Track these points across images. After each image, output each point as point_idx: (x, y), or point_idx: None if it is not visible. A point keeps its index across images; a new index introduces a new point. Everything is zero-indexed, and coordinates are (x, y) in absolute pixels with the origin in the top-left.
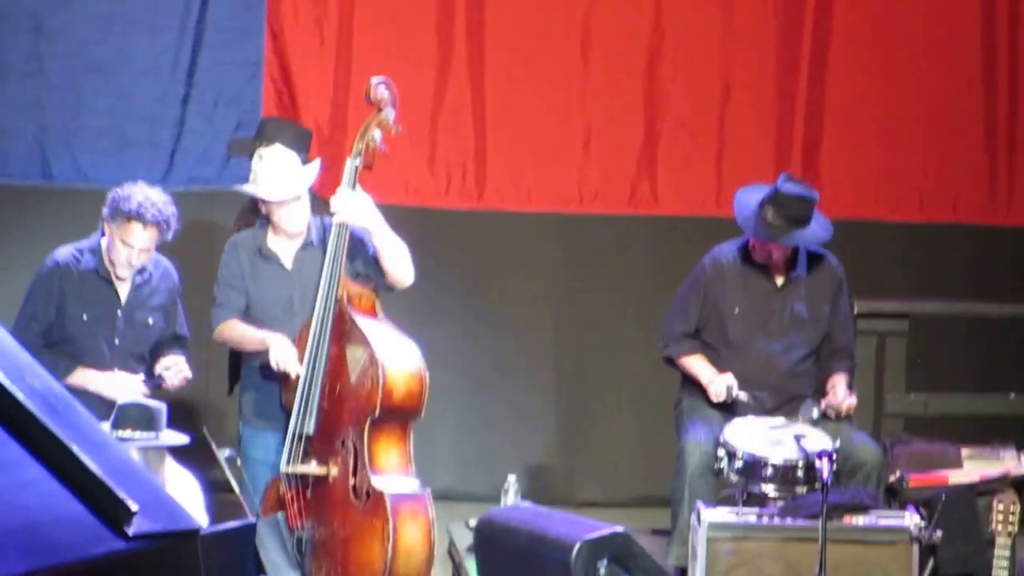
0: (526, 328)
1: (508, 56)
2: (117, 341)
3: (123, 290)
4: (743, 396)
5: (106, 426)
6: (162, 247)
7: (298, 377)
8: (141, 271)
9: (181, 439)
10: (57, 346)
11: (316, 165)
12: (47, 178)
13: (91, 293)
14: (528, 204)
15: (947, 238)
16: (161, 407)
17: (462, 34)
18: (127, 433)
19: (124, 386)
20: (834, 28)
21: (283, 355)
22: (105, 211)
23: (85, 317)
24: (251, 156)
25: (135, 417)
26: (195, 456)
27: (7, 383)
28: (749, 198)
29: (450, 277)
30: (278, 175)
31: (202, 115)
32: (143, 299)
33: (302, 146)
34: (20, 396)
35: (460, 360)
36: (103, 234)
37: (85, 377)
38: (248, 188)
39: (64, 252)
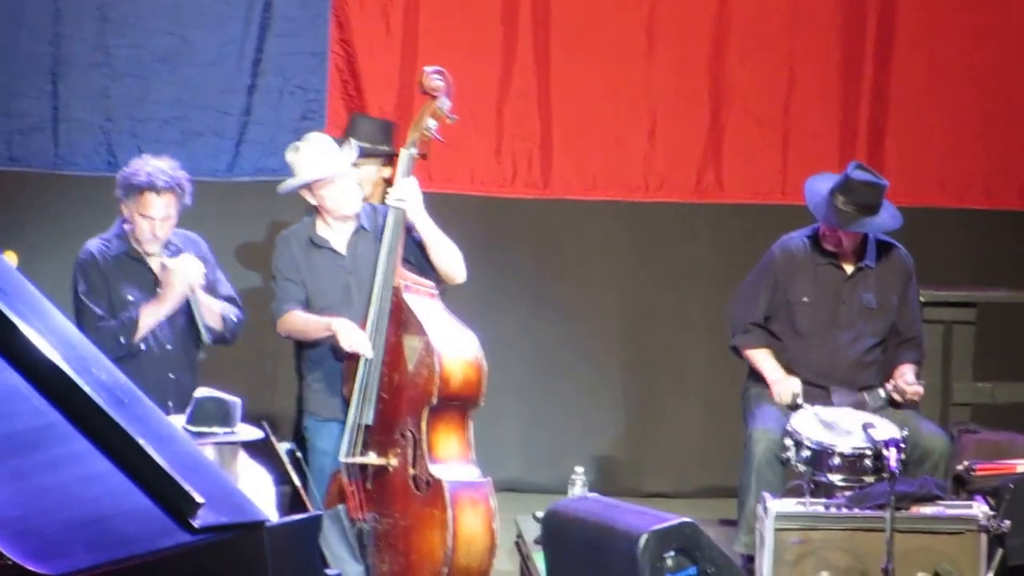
0: (592, 318)
1: (573, 45)
2: (165, 324)
3: (156, 267)
4: (808, 409)
5: (182, 419)
6: (231, 234)
7: (358, 366)
8: (167, 246)
9: (256, 434)
10: None
11: (351, 146)
12: (114, 168)
13: (128, 276)
14: (593, 192)
15: (1014, 225)
16: (236, 402)
17: (527, 23)
18: (204, 428)
19: (185, 275)
20: (898, 15)
21: (354, 337)
22: (118, 193)
23: (130, 298)
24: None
25: (211, 412)
26: (260, 451)
27: (73, 376)
28: (819, 186)
29: (516, 266)
30: (316, 157)
31: (268, 105)
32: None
33: (387, 137)
34: (87, 389)
35: (526, 350)
36: (123, 220)
37: (148, 314)
38: (291, 182)
39: (93, 244)
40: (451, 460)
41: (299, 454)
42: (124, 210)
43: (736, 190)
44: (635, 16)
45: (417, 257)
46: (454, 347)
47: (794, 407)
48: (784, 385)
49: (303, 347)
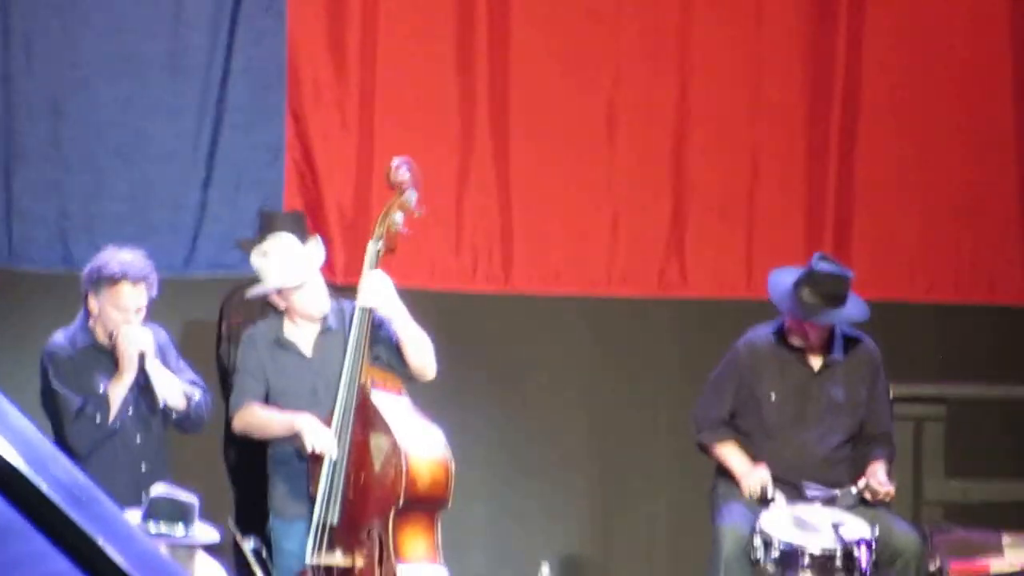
0: (557, 413)
1: (532, 136)
2: (131, 411)
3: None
4: (780, 499)
5: (137, 515)
6: (188, 330)
7: (323, 464)
8: None
9: (212, 536)
10: None
11: (317, 243)
12: (69, 264)
13: (97, 367)
14: (556, 286)
15: (984, 320)
16: (193, 500)
17: (484, 113)
18: (159, 528)
19: (136, 340)
20: (863, 104)
21: (319, 437)
22: (85, 286)
23: (101, 389)
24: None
25: (166, 511)
26: (219, 550)
27: (31, 474)
28: (783, 278)
29: (479, 362)
30: (285, 261)
31: (224, 199)
32: (141, 364)
33: (301, 228)
34: (44, 487)
35: (489, 447)
36: (87, 313)
37: (114, 387)
38: (260, 288)
39: (58, 336)
40: (418, 561)
41: (264, 554)
42: (92, 303)
43: (699, 284)
44: (595, 106)
45: (387, 353)
46: (422, 447)
47: (764, 500)
48: (753, 477)
49: (267, 446)
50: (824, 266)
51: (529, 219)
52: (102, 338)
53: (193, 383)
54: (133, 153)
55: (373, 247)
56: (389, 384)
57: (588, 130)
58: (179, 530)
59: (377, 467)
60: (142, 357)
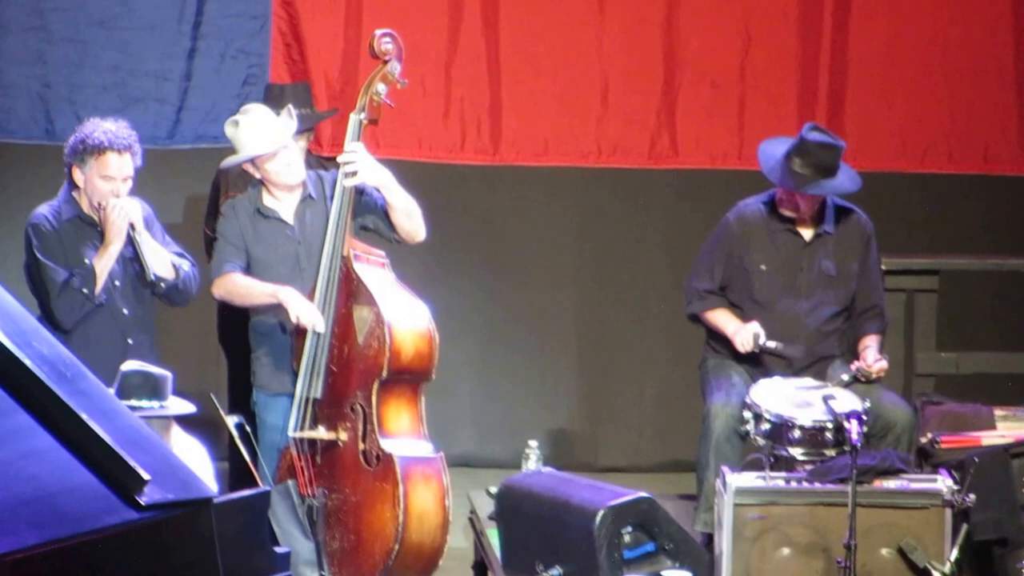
0: (545, 288)
1: (522, 4)
2: (118, 283)
3: None
4: (771, 345)
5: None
6: (172, 202)
7: (306, 337)
8: None
9: (188, 408)
10: None
11: (290, 113)
12: (51, 136)
13: (83, 239)
14: (545, 158)
15: (976, 190)
16: (166, 375)
17: None
18: (131, 403)
19: (125, 211)
20: None
21: (304, 309)
22: (69, 157)
23: (87, 261)
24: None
25: (139, 386)
26: (201, 426)
27: (14, 349)
28: (774, 149)
29: (466, 235)
30: (258, 130)
31: (209, 70)
32: (129, 235)
33: (302, 101)
34: (28, 362)
35: (477, 321)
36: (71, 186)
37: (100, 259)
38: (235, 159)
39: (43, 209)
40: (402, 435)
41: (248, 428)
42: (77, 175)
43: (691, 155)
44: None
45: (375, 220)
46: (405, 319)
47: (759, 350)
48: (744, 332)
49: (250, 318)
50: (815, 136)
51: (518, 90)
52: (88, 210)
53: (181, 255)
54: (117, 23)
55: (355, 118)
56: (372, 257)
57: None
58: (153, 404)
59: (360, 339)
60: (131, 228)
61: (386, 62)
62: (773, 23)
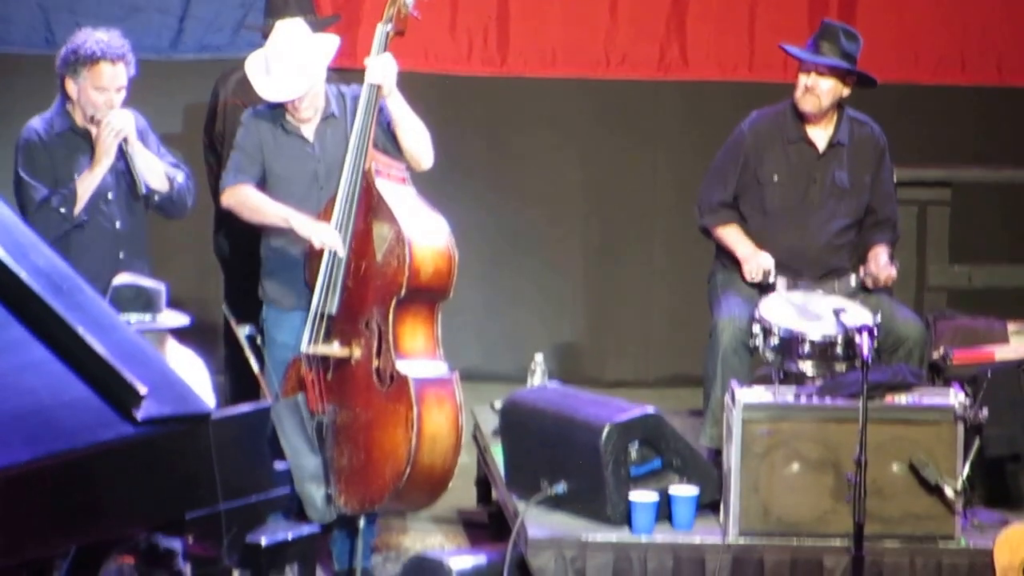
0: (552, 200)
1: None
2: (111, 195)
3: None
4: (780, 284)
5: None
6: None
7: (322, 253)
8: None
9: (182, 320)
10: None
11: (333, 44)
12: (51, 46)
13: (75, 152)
14: (553, 69)
15: (991, 101)
16: (160, 287)
17: None
18: (124, 316)
19: (116, 126)
20: None
21: (325, 233)
22: (61, 68)
23: (77, 178)
24: (267, 36)
25: (131, 299)
26: (198, 338)
27: (8, 261)
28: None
29: (472, 147)
30: (285, 77)
31: None
32: (121, 149)
33: (305, 9)
34: (23, 275)
35: (483, 234)
36: (64, 97)
37: (85, 179)
38: (263, 93)
39: (35, 123)
40: (418, 355)
41: (259, 340)
42: (70, 86)
43: (701, 65)
44: None
45: (383, 141)
46: (425, 236)
47: (766, 285)
48: (755, 262)
49: (263, 235)
50: (833, 23)
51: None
52: (81, 121)
53: (176, 166)
54: None
55: (382, 29)
56: (393, 171)
57: None
58: (146, 317)
59: (379, 256)
60: (123, 142)
61: None
62: None
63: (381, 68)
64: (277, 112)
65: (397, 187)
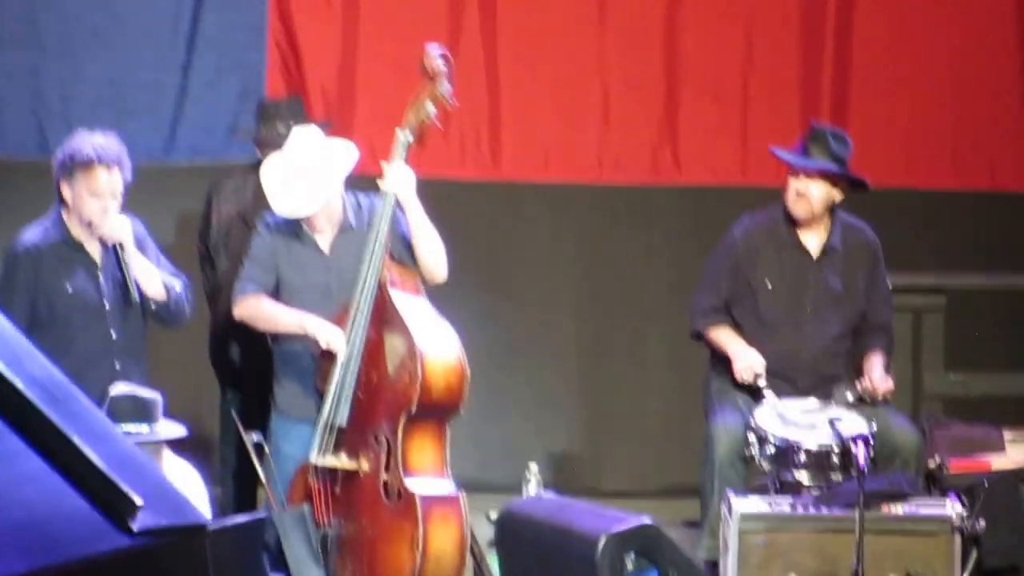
0: (546, 306)
1: (522, 17)
2: (107, 305)
3: (96, 252)
4: (770, 395)
5: None
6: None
7: (333, 363)
8: None
9: (179, 431)
10: (49, 330)
11: (351, 157)
12: (45, 151)
13: (67, 264)
14: (546, 173)
15: (984, 206)
16: (156, 398)
17: None
18: (121, 427)
19: (116, 226)
20: None
21: (331, 335)
22: (57, 174)
23: (70, 289)
24: (259, 143)
25: (128, 410)
26: (193, 450)
27: (5, 371)
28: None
29: (465, 252)
30: (305, 184)
31: (204, 83)
32: (118, 255)
33: (297, 117)
34: (19, 384)
35: (477, 341)
36: (60, 204)
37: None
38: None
39: (29, 235)
40: (426, 472)
41: (267, 448)
42: (65, 191)
43: (693, 170)
44: None
45: (399, 250)
46: (438, 352)
47: (756, 389)
48: (745, 361)
49: (275, 343)
50: (822, 125)
51: (518, 103)
52: (76, 232)
53: (174, 275)
54: (111, 36)
55: (403, 137)
56: (408, 282)
57: (579, 11)
58: (143, 428)
59: (391, 369)
60: (120, 248)
61: (437, 81)
62: (775, 36)
63: (399, 177)
64: (293, 220)
65: (411, 298)
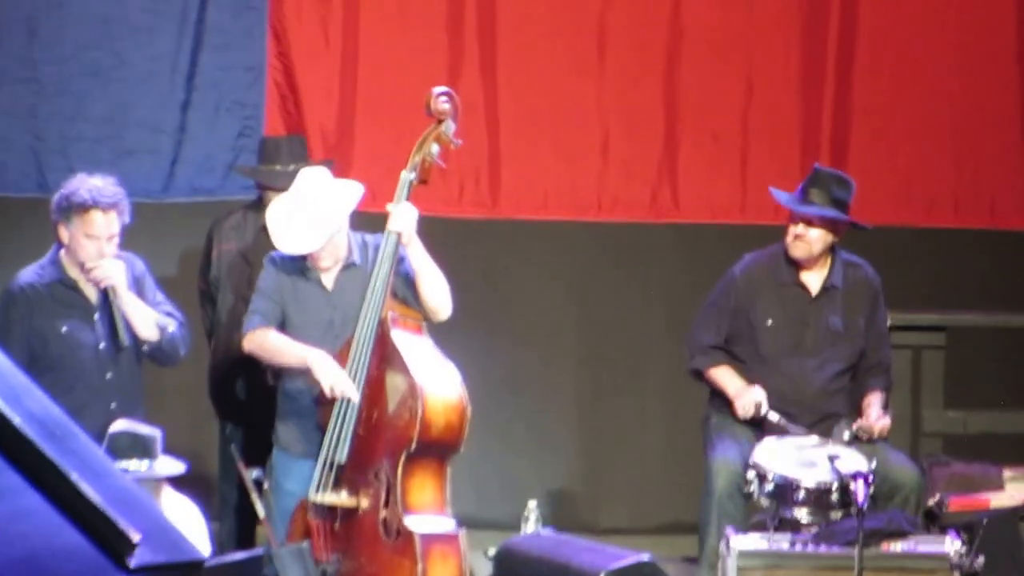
0: (545, 344)
1: (521, 56)
2: (102, 346)
3: (91, 294)
4: (773, 417)
5: None
6: (167, 257)
7: (335, 400)
8: None
9: (178, 468)
10: (45, 370)
11: (356, 194)
12: (44, 190)
13: (62, 305)
14: (544, 211)
15: (983, 244)
16: (155, 434)
17: (473, 33)
18: (121, 464)
19: (108, 270)
20: (860, 22)
21: (336, 378)
22: (55, 216)
23: (64, 330)
24: (260, 180)
25: (128, 447)
26: (192, 486)
27: (3, 407)
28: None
29: (464, 289)
30: (308, 221)
31: (203, 122)
32: (108, 299)
33: (298, 156)
34: (17, 421)
35: (476, 379)
36: (59, 245)
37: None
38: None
39: (25, 275)
40: (426, 510)
41: (267, 485)
42: (62, 233)
43: (693, 209)
44: (585, 26)
45: (402, 290)
46: (439, 391)
47: (759, 420)
48: (746, 397)
49: (280, 379)
50: (825, 169)
51: (517, 142)
52: (71, 271)
53: (169, 315)
54: (109, 75)
55: (407, 177)
56: (410, 321)
57: (578, 50)
58: (142, 465)
59: (391, 407)
60: (112, 291)
61: (441, 121)
62: (775, 75)
63: (403, 216)
64: (298, 257)
65: (413, 337)
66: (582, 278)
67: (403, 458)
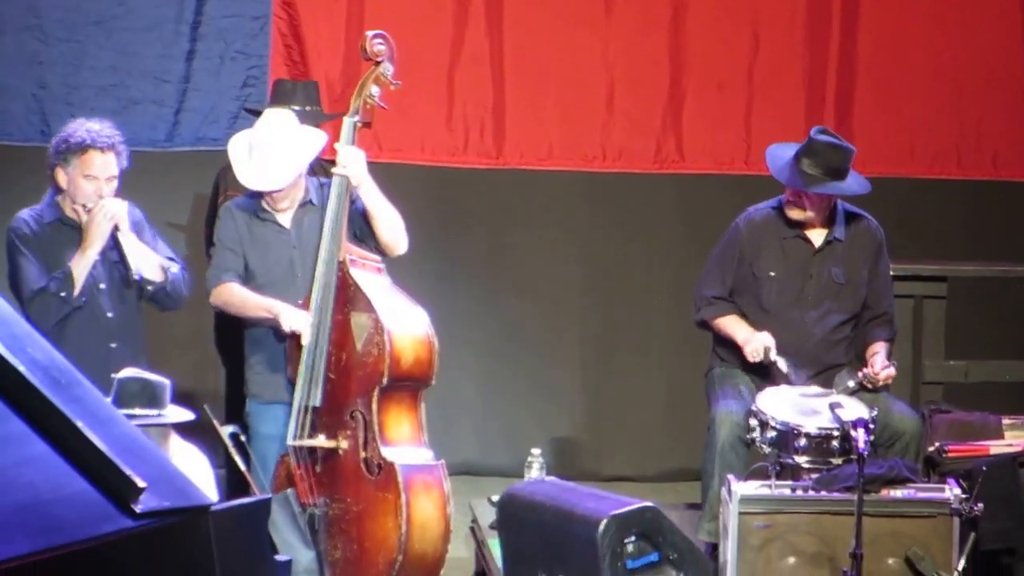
0: (549, 293)
1: (527, 7)
2: (103, 286)
3: None
4: (782, 363)
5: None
6: (171, 206)
7: (302, 347)
8: None
9: (186, 415)
10: None
11: (320, 142)
12: (46, 138)
13: (64, 243)
14: (549, 162)
15: (986, 195)
16: (164, 382)
17: None
18: (130, 410)
19: (108, 211)
20: None
21: (294, 317)
22: (52, 158)
23: (67, 266)
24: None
25: (136, 393)
26: (200, 433)
27: (7, 355)
28: (782, 152)
29: (468, 239)
30: (273, 160)
31: (208, 71)
32: (114, 235)
33: (312, 100)
34: (21, 368)
35: (480, 329)
36: (55, 189)
37: (78, 262)
38: (243, 179)
39: (24, 214)
40: (403, 443)
41: (243, 438)
42: (60, 175)
43: (697, 159)
44: None
45: (359, 228)
46: (404, 325)
47: (768, 363)
48: (756, 341)
49: (244, 327)
50: (823, 138)
51: (522, 92)
52: (70, 213)
53: (171, 259)
54: (114, 24)
55: (349, 121)
56: (368, 262)
57: (583, 1)
58: (151, 412)
59: (360, 346)
60: (115, 229)
61: (378, 63)
62: (780, 27)
63: (349, 159)
64: (255, 201)
65: (373, 277)
66: (586, 228)
67: (376, 394)
